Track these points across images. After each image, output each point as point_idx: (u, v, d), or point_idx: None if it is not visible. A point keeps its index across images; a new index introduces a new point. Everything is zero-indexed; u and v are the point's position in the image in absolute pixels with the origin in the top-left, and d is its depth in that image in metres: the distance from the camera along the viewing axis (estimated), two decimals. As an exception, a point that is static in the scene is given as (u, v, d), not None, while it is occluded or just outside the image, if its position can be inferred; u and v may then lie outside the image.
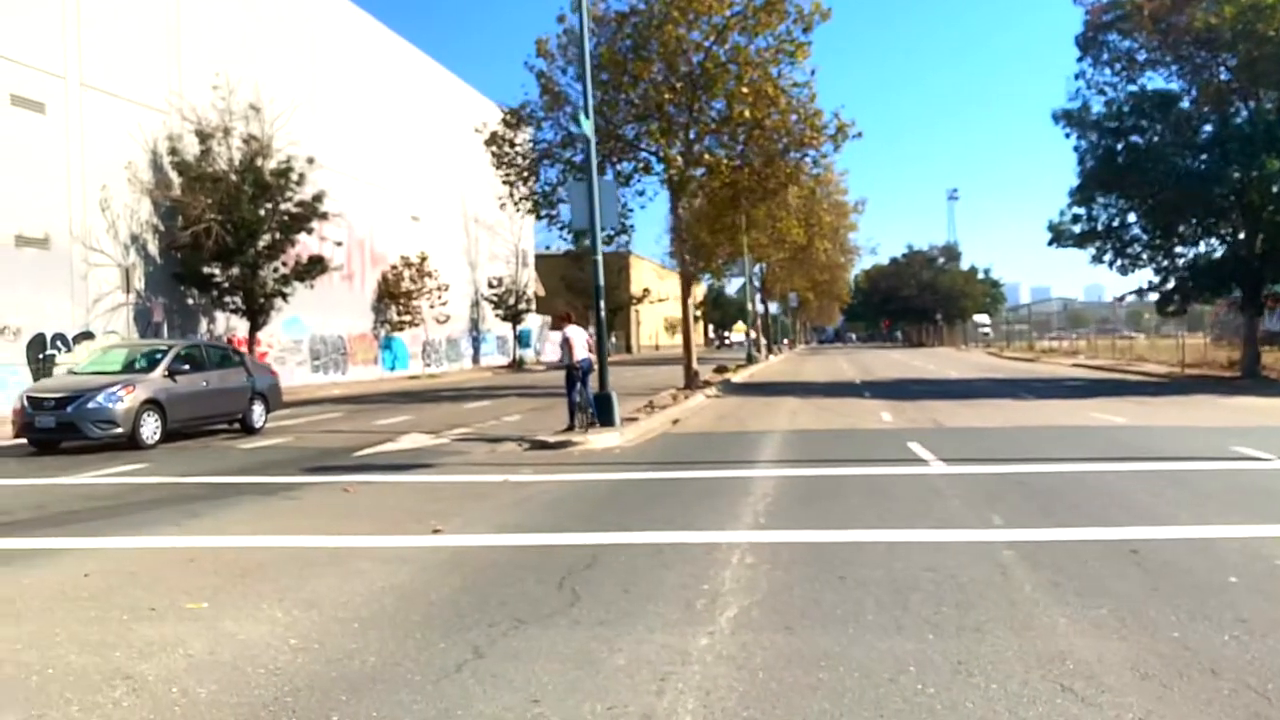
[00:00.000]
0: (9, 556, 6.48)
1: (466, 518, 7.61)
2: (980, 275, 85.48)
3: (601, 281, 15.41)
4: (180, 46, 29.04)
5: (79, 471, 11.04)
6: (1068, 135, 27.21)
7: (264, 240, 28.05)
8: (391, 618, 4.85)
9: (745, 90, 22.06)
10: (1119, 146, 24.22)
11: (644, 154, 25.60)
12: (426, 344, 44.09)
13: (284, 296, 29.34)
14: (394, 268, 40.45)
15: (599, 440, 13.14)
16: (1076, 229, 27.90)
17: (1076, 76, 26.96)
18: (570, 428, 14.31)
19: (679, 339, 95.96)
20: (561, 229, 27.27)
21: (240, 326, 30.72)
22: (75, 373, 14.46)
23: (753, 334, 54.01)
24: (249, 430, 15.24)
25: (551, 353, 63.93)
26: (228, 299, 28.63)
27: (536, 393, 26.33)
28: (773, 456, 11.04)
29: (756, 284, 54.58)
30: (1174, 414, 16.02)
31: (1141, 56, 25.74)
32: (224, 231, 26.74)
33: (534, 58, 24.71)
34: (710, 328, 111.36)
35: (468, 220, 49.40)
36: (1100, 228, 27.42)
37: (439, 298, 41.90)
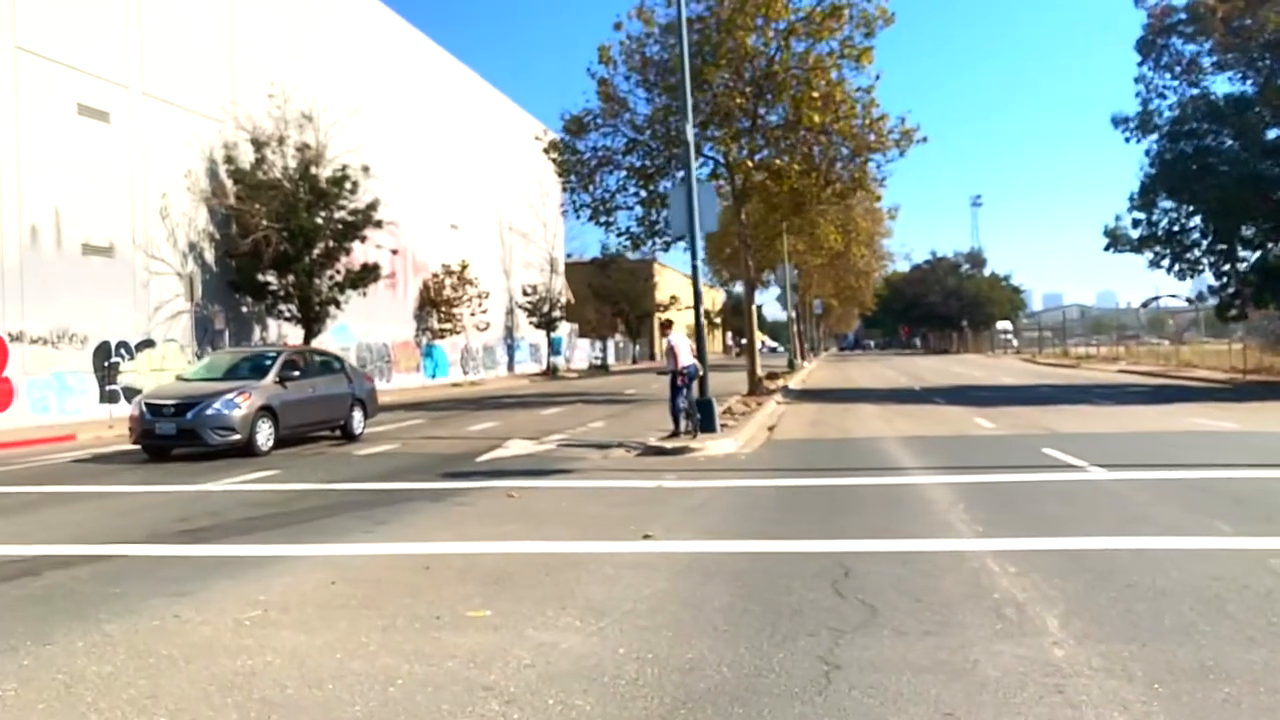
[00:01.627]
0: (235, 564, 6.37)
1: (662, 524, 7.47)
2: (1003, 281, 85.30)
3: (700, 287, 15.29)
4: (235, 57, 29.12)
5: (214, 478, 10.94)
6: (1128, 140, 27.09)
7: (319, 248, 28.08)
8: (695, 626, 4.71)
9: (815, 95, 21.97)
10: (1190, 150, 24.07)
11: (706, 159, 25.57)
12: (465, 351, 44.06)
13: (337, 304, 29.35)
14: (435, 276, 40.45)
15: (715, 446, 13.00)
16: (1136, 234, 27.76)
17: (1136, 80, 26.83)
18: (675, 433, 14.19)
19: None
20: (619, 235, 27.21)
21: (291, 334, 30.72)
22: (186, 379, 14.39)
23: (778, 344, 53.97)
24: (349, 437, 15.15)
25: (580, 359, 63.94)
26: (282, 307, 28.63)
27: (597, 399, 26.20)
28: (915, 464, 10.88)
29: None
30: (1277, 419, 15.82)
31: (1206, 60, 25.60)
32: (281, 239, 26.76)
33: (596, 64, 24.70)
34: (729, 335, 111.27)
35: (502, 228, 49.43)
36: (1161, 232, 27.26)
37: (479, 305, 41.88)
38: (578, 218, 26.23)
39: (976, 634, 4.49)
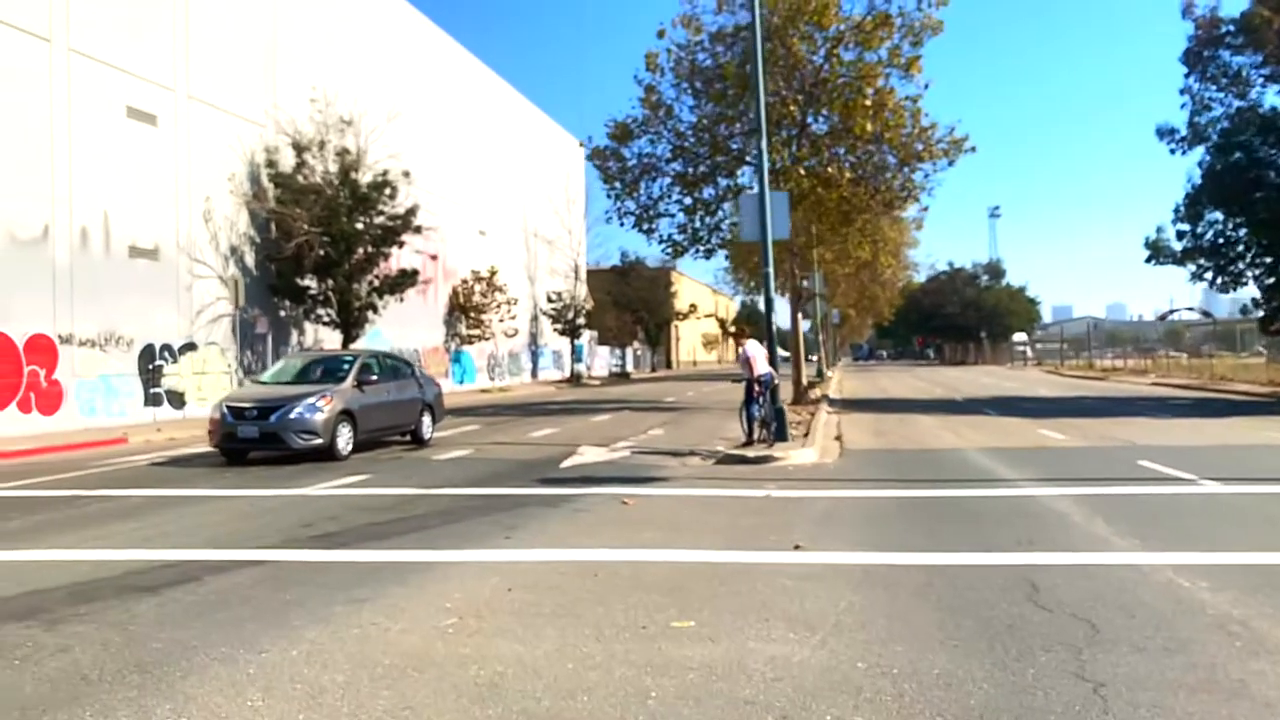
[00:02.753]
0: (393, 569, 6.24)
1: (801, 534, 7.35)
2: (1022, 293, 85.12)
3: (773, 294, 15.19)
4: (276, 61, 29.16)
5: (307, 483, 10.83)
6: (1173, 152, 26.99)
7: (359, 253, 28.05)
8: (918, 640, 4.59)
9: (869, 103, 21.92)
10: (1242, 161, 23.97)
11: (748, 166, 25.52)
12: (492, 358, 43.99)
13: (375, 309, 29.30)
14: (465, 281, 40.40)
15: (798, 456, 12.89)
16: (1179, 246, 27.63)
17: (1181, 92, 26.76)
18: (749, 441, 14.09)
19: (714, 355, 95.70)
20: (661, 242, 27.13)
21: (328, 338, 30.68)
22: (262, 382, 14.32)
23: (800, 353, 53.76)
24: (419, 442, 15.05)
25: (599, 367, 63.79)
26: (320, 311, 28.59)
27: (640, 407, 26.06)
28: (1016, 475, 10.73)
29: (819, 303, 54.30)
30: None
31: (1254, 73, 25.53)
32: (323, 244, 26.73)
33: (643, 71, 24.68)
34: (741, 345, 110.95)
35: (527, 234, 49.41)
36: (1206, 244, 27.14)
37: (508, 311, 41.82)
38: (621, 225, 26.20)
39: (1220, 651, 4.37)
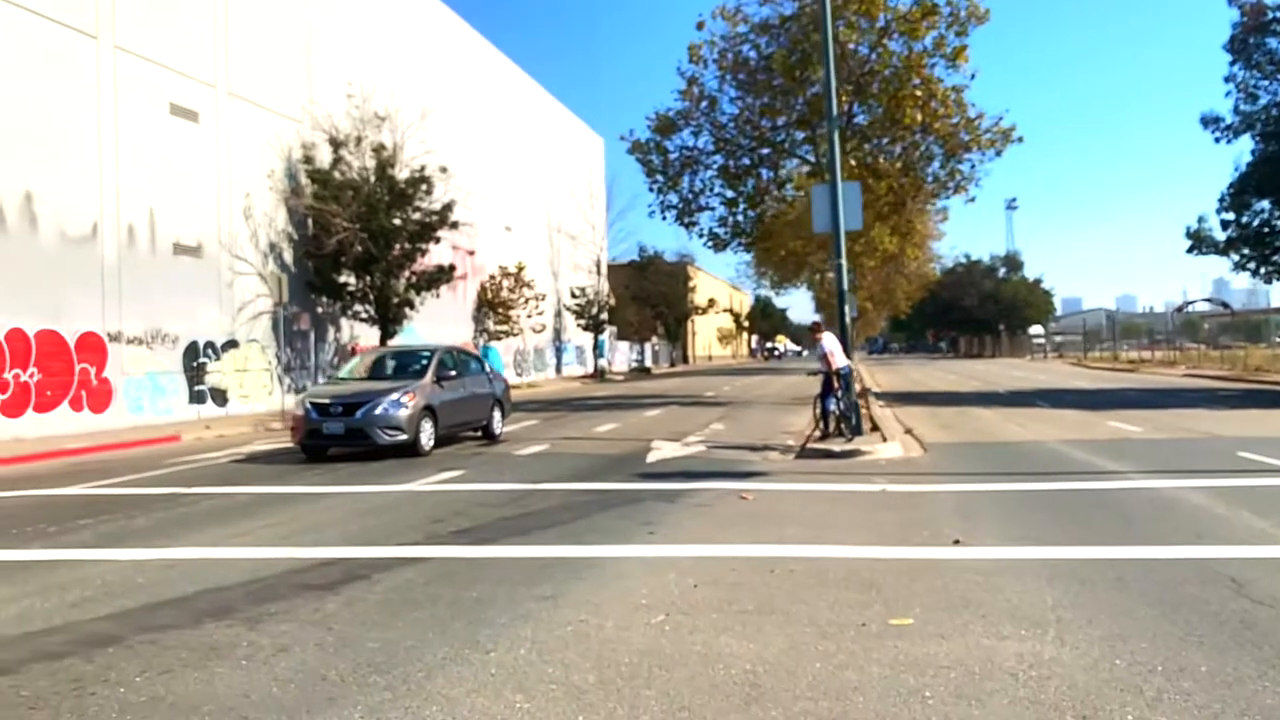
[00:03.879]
0: (559, 565, 6.11)
1: (952, 529, 7.23)
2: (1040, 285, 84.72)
3: (846, 286, 15.04)
4: (311, 58, 29.04)
5: (404, 479, 10.73)
6: (1217, 140, 26.78)
7: (396, 249, 27.93)
8: (1155, 635, 4.47)
9: (919, 93, 21.75)
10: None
11: (793, 158, 25.39)
12: (519, 353, 43.90)
13: (411, 305, 29.21)
14: (492, 277, 40.29)
15: (884, 450, 12.78)
16: (1223, 235, 27.44)
17: (1226, 79, 26.54)
18: (825, 435, 13.99)
19: (729, 350, 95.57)
20: (701, 236, 27.00)
21: (364, 334, 30.62)
22: (340, 379, 14.22)
23: (801, 348, 53.60)
24: (490, 438, 14.94)
25: (619, 362, 63.66)
26: (358, 307, 28.51)
27: (683, 401, 25.89)
28: (1124, 468, 10.55)
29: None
30: None
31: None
32: (362, 240, 26.62)
33: (686, 63, 24.54)
34: (754, 339, 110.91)
35: (551, 230, 49.27)
36: (1250, 234, 26.94)
37: (536, 307, 41.72)
38: (663, 219, 26.03)
39: None
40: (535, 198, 46.94)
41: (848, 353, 14.63)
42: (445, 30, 38.73)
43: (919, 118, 21.96)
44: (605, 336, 56.41)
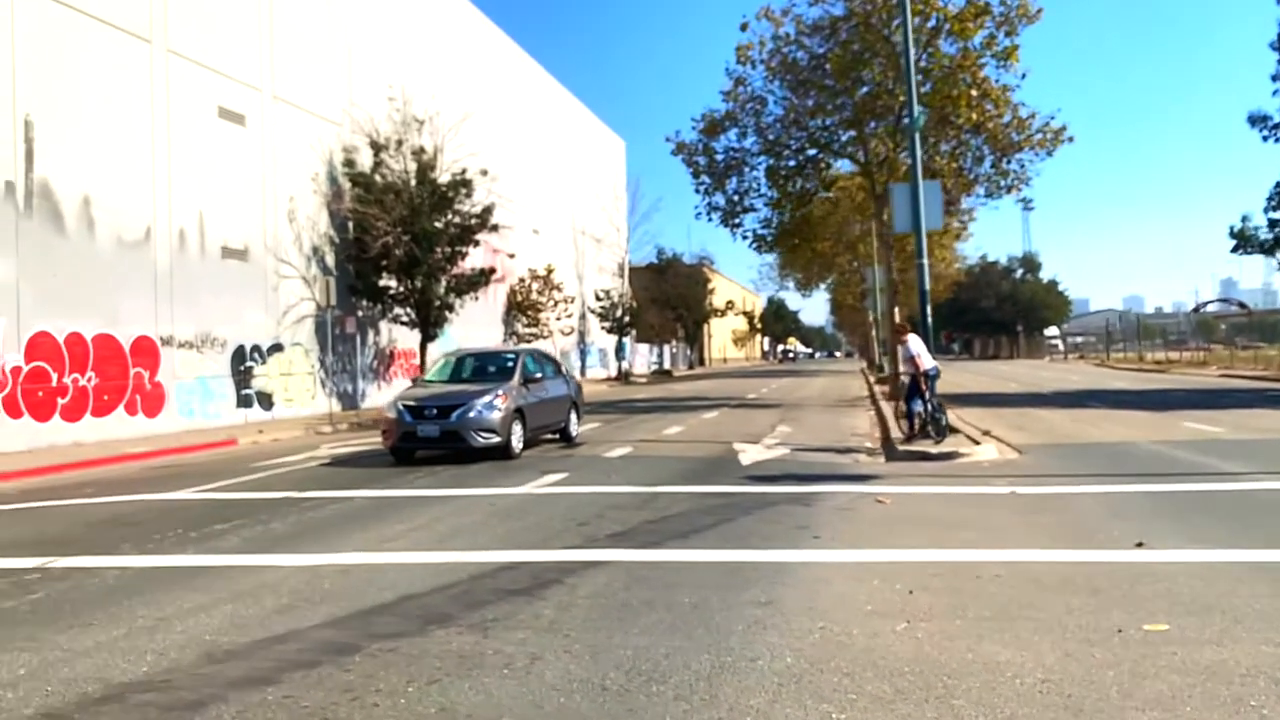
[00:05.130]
0: (742, 569, 5.97)
1: (1117, 531, 7.10)
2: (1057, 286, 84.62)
3: (927, 286, 14.92)
4: (351, 62, 28.97)
5: (513, 482, 10.59)
6: (1265, 139, 26.62)
7: (438, 252, 27.81)
8: None
9: (975, 92, 21.64)
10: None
11: (841, 159, 25.28)
12: (547, 356, 43.78)
13: (452, 308, 29.10)
14: (522, 280, 40.20)
15: (981, 451, 12.64)
16: (1272, 235, 27.30)
17: (1274, 78, 26.39)
18: (909, 437, 13.86)
19: (743, 352, 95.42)
20: (745, 238, 26.89)
21: (401, 338, 30.53)
22: (428, 382, 14.10)
23: (812, 350, 53.48)
24: (567, 440, 14.81)
25: (639, 365, 63.53)
26: (399, 310, 28.40)
27: (730, 404, 25.70)
28: (1239, 469, 10.40)
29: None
30: None
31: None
32: (406, 244, 26.52)
33: (734, 64, 24.45)
34: (766, 341, 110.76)
35: (575, 233, 49.18)
36: (1297, 233, 26.78)
37: (565, 310, 41.62)
38: (709, 220, 25.88)
39: None
40: (560, 200, 46.86)
41: (932, 354, 14.49)
42: (475, 32, 38.70)
43: (973, 117, 21.84)
44: (627, 339, 56.34)
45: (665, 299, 63.28)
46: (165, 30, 21.38)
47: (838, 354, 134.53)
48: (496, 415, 12.31)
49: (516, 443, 12.73)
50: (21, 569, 6.67)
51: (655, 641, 4.59)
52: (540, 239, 43.95)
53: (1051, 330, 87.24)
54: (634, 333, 62.41)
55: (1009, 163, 24.03)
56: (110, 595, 5.86)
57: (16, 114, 17.65)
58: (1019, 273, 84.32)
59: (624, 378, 49.99)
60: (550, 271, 41.12)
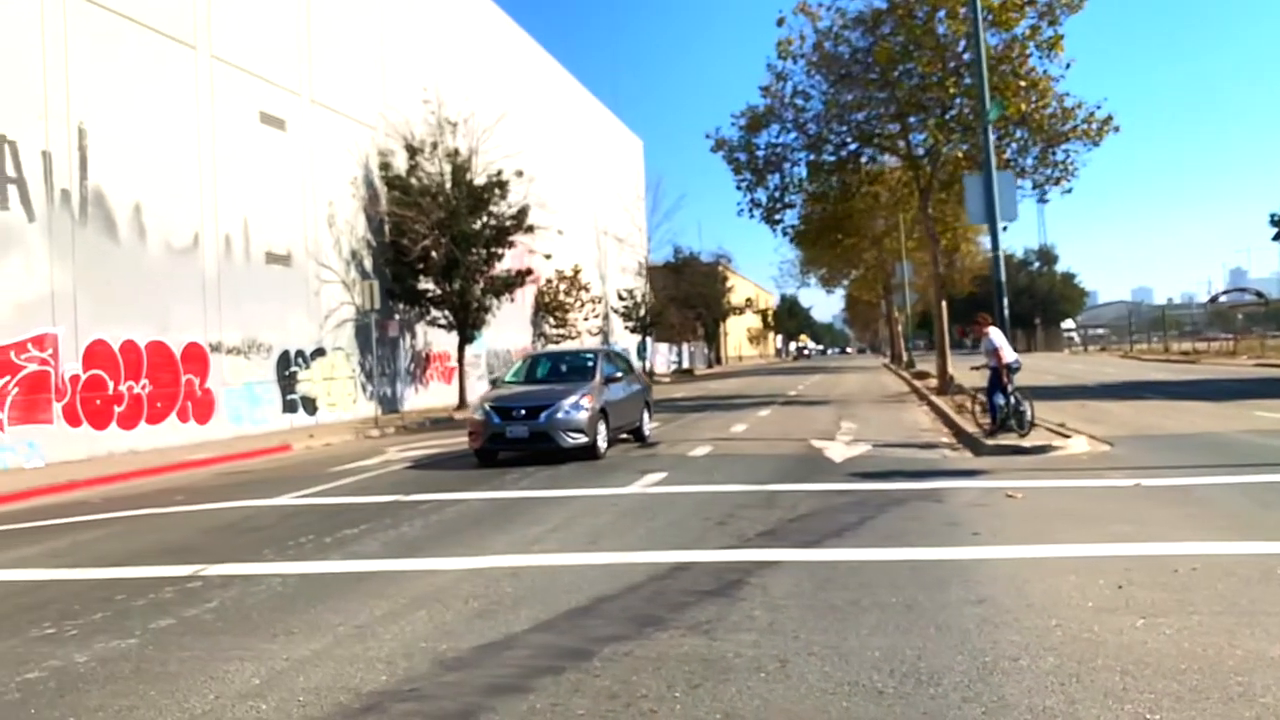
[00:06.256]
0: (927, 569, 5.84)
1: (1275, 522, 6.97)
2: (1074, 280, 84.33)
3: (1003, 277, 14.77)
4: (385, 66, 28.88)
5: (616, 482, 10.46)
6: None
7: (475, 254, 27.71)
8: None
9: (1023, 83, 21.48)
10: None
11: (885, 152, 25.14)
12: (574, 357, 43.71)
13: (489, 310, 29.02)
14: (549, 281, 40.08)
15: (1073, 445, 12.47)
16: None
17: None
18: (992, 430, 13.71)
19: (757, 350, 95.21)
20: (786, 234, 26.74)
21: (436, 340, 30.44)
22: (510, 383, 13.97)
23: (824, 346, 53.34)
24: (641, 439, 14.69)
25: (659, 364, 63.34)
26: (436, 313, 28.31)
27: (775, 401, 25.50)
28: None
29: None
30: None
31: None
32: (445, 246, 26.43)
33: (775, 59, 24.28)
34: (779, 338, 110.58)
35: (598, 232, 49.07)
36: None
37: (592, 310, 41.51)
38: (751, 217, 25.75)
39: None
40: (584, 200, 46.76)
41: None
42: (502, 34, 38.65)
43: (1022, 107, 21.65)
44: (649, 338, 56.22)
45: (684, 298, 63.13)
46: (209, 35, 21.29)
47: (849, 350, 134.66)
48: (584, 415, 12.20)
49: (602, 442, 12.61)
50: (178, 577, 6.55)
51: (894, 642, 4.46)
52: (565, 239, 43.78)
53: (1068, 323, 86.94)
54: (655, 332, 62.35)
55: (1055, 154, 23.83)
56: (289, 603, 5.74)
57: (70, 122, 17.58)
58: (1036, 265, 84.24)
59: (649, 377, 49.85)
60: (577, 272, 41.02)
